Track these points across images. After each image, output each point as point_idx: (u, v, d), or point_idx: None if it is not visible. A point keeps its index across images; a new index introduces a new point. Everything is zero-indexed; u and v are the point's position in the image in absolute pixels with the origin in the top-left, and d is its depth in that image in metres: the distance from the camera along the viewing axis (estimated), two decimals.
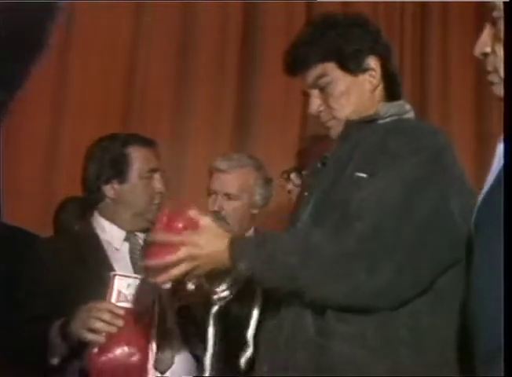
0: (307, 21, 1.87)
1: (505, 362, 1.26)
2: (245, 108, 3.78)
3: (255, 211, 2.77)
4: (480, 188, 1.41)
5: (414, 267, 1.57)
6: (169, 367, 2.06)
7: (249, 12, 3.84)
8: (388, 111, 1.82)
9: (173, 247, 1.58)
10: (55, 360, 1.98)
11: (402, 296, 1.60)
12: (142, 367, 1.88)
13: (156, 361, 2.03)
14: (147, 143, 2.38)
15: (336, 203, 1.68)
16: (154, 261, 1.60)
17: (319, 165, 1.88)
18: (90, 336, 1.88)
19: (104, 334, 1.87)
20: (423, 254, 1.58)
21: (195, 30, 3.79)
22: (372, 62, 1.83)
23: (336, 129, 1.83)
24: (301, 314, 1.66)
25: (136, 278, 1.95)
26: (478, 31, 4.01)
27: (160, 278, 1.59)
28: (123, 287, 1.91)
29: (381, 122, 1.81)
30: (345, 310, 1.60)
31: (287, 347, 1.67)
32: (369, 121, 1.81)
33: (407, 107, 1.87)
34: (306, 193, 1.85)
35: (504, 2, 1.32)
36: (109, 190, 2.33)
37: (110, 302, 1.90)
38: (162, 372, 2.07)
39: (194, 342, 2.09)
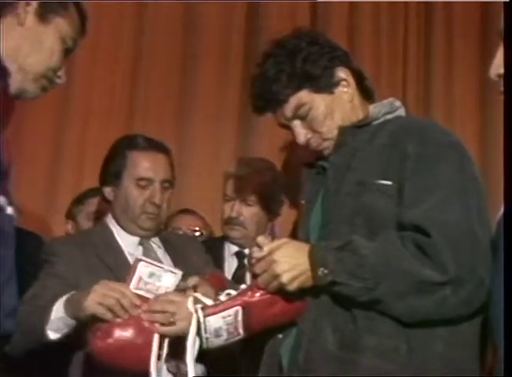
0: (274, 42, 1.83)
1: (505, 362, 1.27)
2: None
3: (271, 216, 2.73)
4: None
5: (488, 273, 1.51)
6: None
7: (252, 8, 3.83)
8: (380, 111, 1.80)
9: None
10: (54, 335, 1.94)
11: (481, 303, 1.56)
12: (144, 357, 1.78)
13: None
14: (153, 149, 2.30)
15: (348, 211, 1.66)
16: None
17: (315, 172, 1.85)
18: (103, 312, 1.81)
19: (113, 316, 1.81)
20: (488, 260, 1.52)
21: (198, 26, 3.79)
22: (341, 72, 1.79)
23: (331, 148, 1.79)
24: (320, 327, 1.63)
25: (160, 268, 1.89)
26: (483, 32, 3.96)
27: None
28: (145, 274, 1.86)
29: (375, 123, 1.79)
30: (425, 322, 1.58)
31: (306, 363, 1.63)
32: (362, 125, 1.78)
33: (397, 103, 1.84)
34: (304, 202, 1.83)
35: (504, 2, 1.33)
36: (109, 192, 2.32)
37: (130, 289, 1.84)
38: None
39: None
